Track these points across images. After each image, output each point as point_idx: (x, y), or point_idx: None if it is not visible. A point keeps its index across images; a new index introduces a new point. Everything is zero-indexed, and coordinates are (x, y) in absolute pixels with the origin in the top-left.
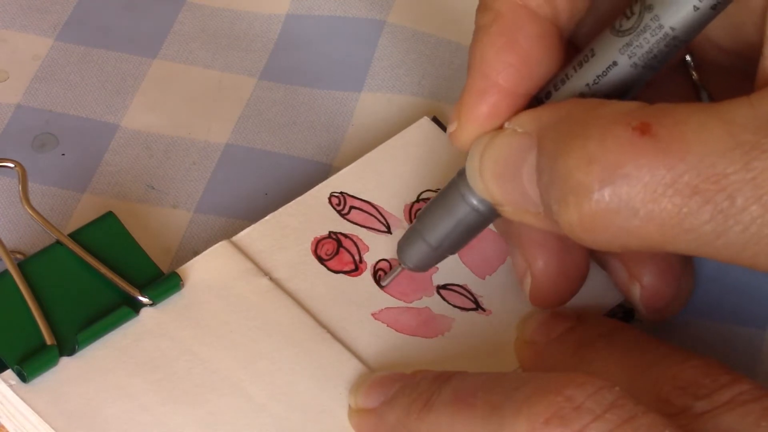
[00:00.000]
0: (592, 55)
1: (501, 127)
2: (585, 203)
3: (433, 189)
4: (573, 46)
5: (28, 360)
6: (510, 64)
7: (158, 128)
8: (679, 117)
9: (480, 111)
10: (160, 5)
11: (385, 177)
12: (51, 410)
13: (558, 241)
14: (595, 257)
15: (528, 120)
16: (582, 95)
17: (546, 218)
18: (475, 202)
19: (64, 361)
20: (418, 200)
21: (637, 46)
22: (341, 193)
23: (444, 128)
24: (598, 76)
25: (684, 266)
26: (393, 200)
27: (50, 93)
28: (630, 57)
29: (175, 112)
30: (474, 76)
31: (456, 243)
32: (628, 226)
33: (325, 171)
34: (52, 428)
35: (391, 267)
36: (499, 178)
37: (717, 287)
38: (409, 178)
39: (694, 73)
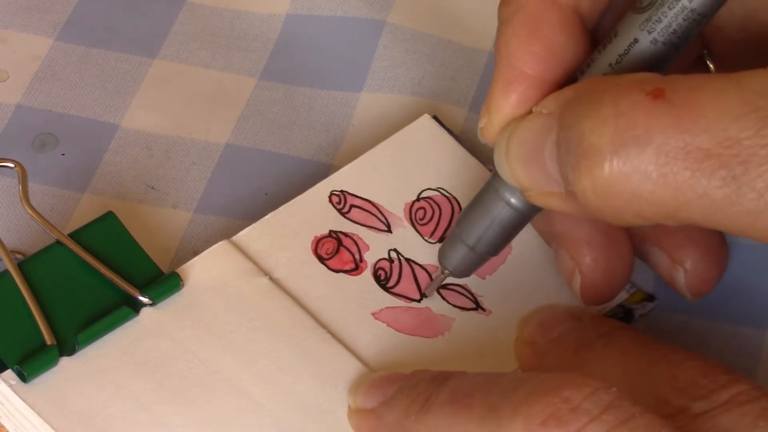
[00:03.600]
0: (615, 36)
1: (528, 114)
2: (597, 167)
3: (434, 187)
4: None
5: (28, 360)
6: (535, 53)
7: (158, 128)
8: (694, 83)
9: (508, 101)
10: (160, 5)
11: (386, 175)
12: (51, 410)
13: (603, 237)
14: (636, 249)
15: (550, 100)
16: (603, 76)
17: (568, 198)
18: (509, 197)
19: (64, 361)
20: (418, 199)
21: (655, 20)
22: (342, 191)
23: (444, 127)
24: (620, 55)
25: (723, 246)
26: (393, 199)
27: (50, 93)
28: (650, 32)
29: (175, 112)
30: (501, 68)
31: (494, 243)
32: (641, 190)
33: (325, 171)
34: (52, 428)
35: (391, 266)
36: (523, 160)
37: (717, 287)
38: (410, 177)
39: (711, 65)
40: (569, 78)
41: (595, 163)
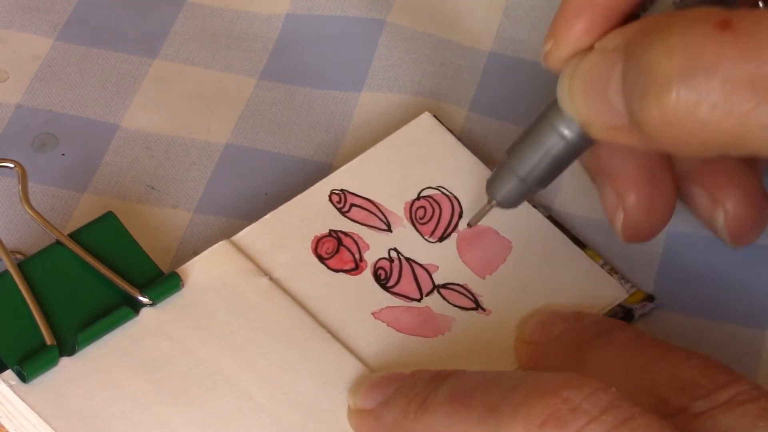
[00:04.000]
0: None
1: (591, 49)
2: (665, 95)
3: (434, 186)
4: None
5: (28, 360)
6: None
7: (158, 128)
8: (760, 16)
9: (576, 28)
10: (160, 5)
11: (386, 174)
12: (51, 410)
13: (648, 175)
14: (679, 190)
15: (615, 36)
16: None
17: (631, 131)
18: (563, 130)
19: (64, 361)
20: (418, 197)
21: None
22: (342, 190)
23: (444, 126)
24: None
25: (766, 198)
26: (393, 198)
27: (50, 93)
28: None
29: (175, 112)
30: None
31: (545, 175)
32: (707, 118)
33: (325, 171)
34: (52, 428)
35: (391, 266)
36: (587, 95)
37: (717, 287)
38: (410, 175)
39: (761, 4)
40: (633, 14)
41: (663, 92)
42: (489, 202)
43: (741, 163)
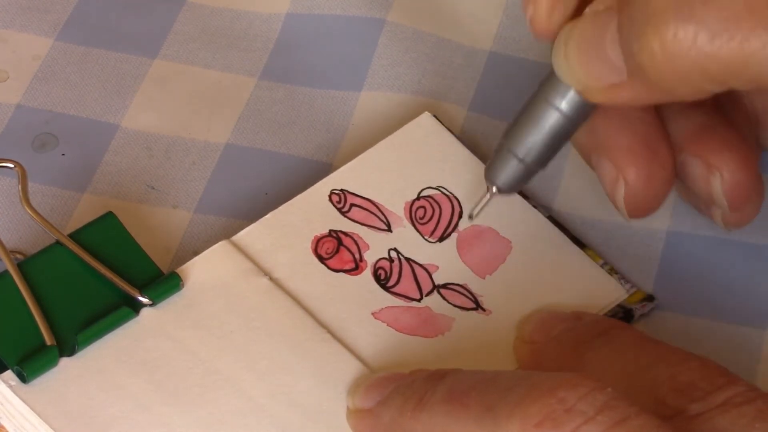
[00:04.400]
0: None
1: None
2: (663, 28)
3: (434, 186)
4: None
5: (28, 360)
6: None
7: (158, 128)
8: None
9: None
10: (160, 5)
11: (386, 174)
12: (51, 410)
13: (645, 145)
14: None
15: None
16: None
17: (630, 84)
18: (559, 103)
19: (64, 361)
20: (418, 197)
21: None
22: (342, 190)
23: (444, 125)
24: None
25: (758, 157)
26: (393, 198)
27: (50, 93)
28: None
29: (175, 112)
30: None
31: (544, 153)
32: (707, 48)
33: (326, 170)
34: (52, 428)
35: (391, 266)
36: (584, 57)
37: (717, 287)
38: (410, 175)
39: None
40: None
41: (661, 25)
42: (488, 190)
43: (732, 129)
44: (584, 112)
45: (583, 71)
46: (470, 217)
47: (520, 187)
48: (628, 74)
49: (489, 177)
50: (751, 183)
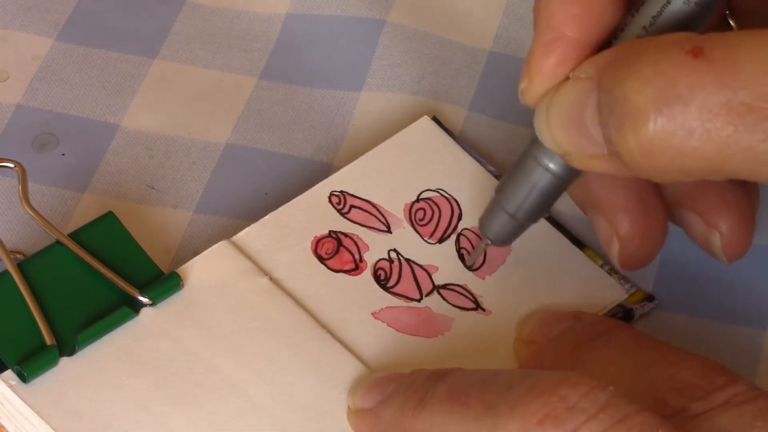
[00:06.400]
0: None
1: (566, 80)
2: (642, 126)
3: (433, 188)
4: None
5: (28, 360)
6: (574, 15)
7: (158, 128)
8: (731, 41)
9: (548, 63)
10: (160, 5)
11: (386, 176)
12: (51, 410)
13: (638, 202)
14: (671, 214)
15: (588, 65)
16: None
17: (610, 159)
18: (547, 162)
19: (64, 361)
20: (418, 200)
21: None
22: (341, 192)
23: (444, 128)
24: (653, 17)
25: (754, 213)
26: (393, 199)
27: (50, 93)
28: None
29: (175, 112)
30: (541, 30)
31: (534, 209)
32: (685, 147)
33: (326, 170)
34: (52, 428)
35: (391, 266)
36: (564, 125)
37: (717, 287)
38: (409, 178)
39: (733, 24)
40: (605, 42)
41: (639, 123)
42: (483, 240)
43: (730, 184)
44: (574, 171)
45: (564, 138)
46: (468, 267)
47: (514, 239)
48: (608, 152)
49: (482, 229)
50: (748, 238)
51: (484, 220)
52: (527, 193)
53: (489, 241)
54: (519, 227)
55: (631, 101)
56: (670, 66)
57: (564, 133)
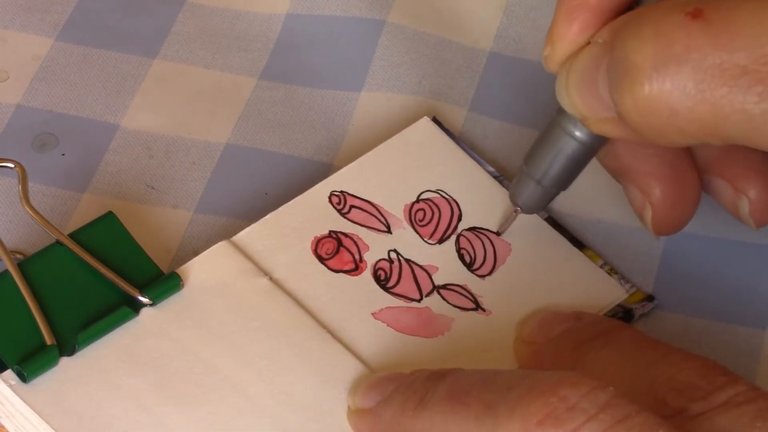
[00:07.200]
0: None
1: (587, 45)
2: (638, 85)
3: (433, 189)
4: None
5: (28, 360)
6: None
7: (158, 128)
8: (731, 3)
9: (571, 29)
10: (160, 5)
11: (386, 176)
12: (51, 410)
13: (670, 170)
14: (702, 180)
15: (606, 30)
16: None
17: (619, 123)
18: (572, 129)
19: (64, 361)
20: (418, 200)
21: None
22: (342, 192)
23: (444, 128)
24: None
25: None
26: (393, 200)
27: (50, 93)
28: None
29: (175, 112)
30: None
31: (561, 176)
32: (680, 107)
33: (326, 170)
34: (52, 428)
35: (391, 267)
36: (580, 89)
37: (717, 287)
38: (409, 178)
39: None
40: (627, 7)
41: (635, 81)
42: (514, 210)
43: (758, 151)
44: (597, 138)
45: (580, 102)
46: (497, 233)
47: (543, 206)
48: (616, 114)
49: (512, 198)
50: None
51: (513, 188)
52: (553, 159)
53: (519, 209)
54: (546, 194)
55: (630, 60)
56: (668, 26)
57: (580, 97)
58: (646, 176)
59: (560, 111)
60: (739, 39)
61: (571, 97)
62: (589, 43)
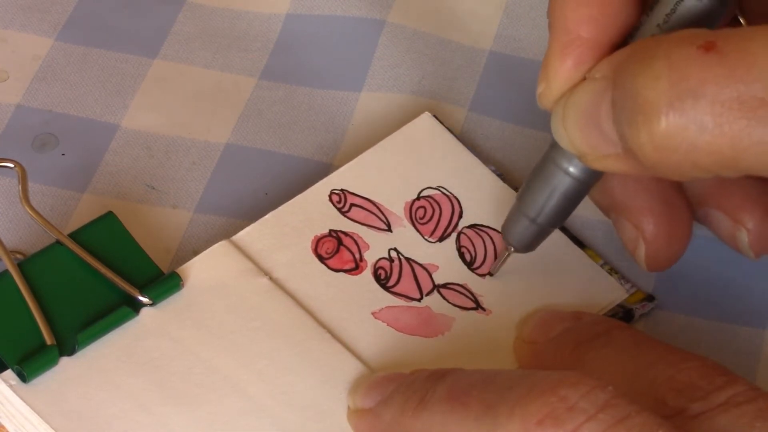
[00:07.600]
0: None
1: (583, 81)
2: (654, 121)
3: (434, 186)
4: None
5: (28, 360)
6: (590, 16)
7: (158, 128)
8: (744, 35)
9: (565, 65)
10: (160, 5)
11: (386, 174)
12: (51, 410)
13: (662, 204)
14: (696, 213)
15: (603, 65)
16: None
17: (625, 158)
18: (567, 166)
19: (64, 361)
20: (418, 197)
21: None
22: (342, 190)
23: (444, 125)
24: (667, 15)
25: None
26: (393, 198)
27: (50, 93)
28: None
29: (175, 112)
30: (556, 33)
31: (555, 214)
32: (698, 141)
33: (326, 170)
34: (52, 428)
35: (391, 266)
36: (580, 125)
37: (717, 287)
38: (410, 175)
39: (743, 22)
40: (621, 42)
41: (652, 118)
42: (506, 248)
43: (755, 181)
44: (593, 174)
45: (580, 139)
46: (490, 274)
47: (536, 245)
48: (622, 150)
49: (505, 237)
50: None
51: (506, 226)
52: (547, 197)
53: (512, 248)
54: (541, 232)
55: (643, 96)
56: (681, 61)
57: (579, 133)
58: (639, 211)
59: (554, 146)
60: (756, 70)
61: (570, 134)
62: (584, 79)
